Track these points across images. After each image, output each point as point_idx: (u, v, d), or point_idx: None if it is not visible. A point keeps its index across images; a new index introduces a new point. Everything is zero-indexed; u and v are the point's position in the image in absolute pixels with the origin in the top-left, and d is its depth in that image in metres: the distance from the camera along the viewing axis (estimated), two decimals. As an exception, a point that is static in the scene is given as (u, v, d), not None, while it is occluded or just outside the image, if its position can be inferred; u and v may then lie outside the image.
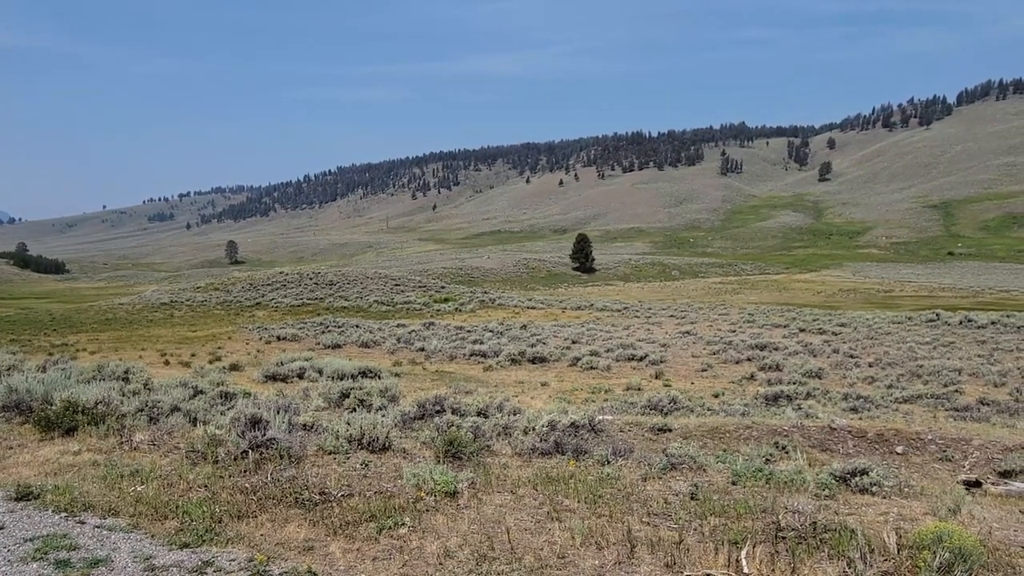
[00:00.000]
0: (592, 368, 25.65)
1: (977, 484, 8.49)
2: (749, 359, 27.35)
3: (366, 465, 7.24)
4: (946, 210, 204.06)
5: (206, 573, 4.69)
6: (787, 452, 9.71)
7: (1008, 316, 41.97)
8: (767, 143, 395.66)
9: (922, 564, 4.62)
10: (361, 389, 12.98)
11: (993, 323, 38.89)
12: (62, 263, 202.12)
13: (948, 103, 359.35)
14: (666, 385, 21.71)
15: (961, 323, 39.96)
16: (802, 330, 38.41)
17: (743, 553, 4.86)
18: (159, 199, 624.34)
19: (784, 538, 5.23)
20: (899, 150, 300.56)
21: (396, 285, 72.00)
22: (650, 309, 56.75)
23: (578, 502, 6.20)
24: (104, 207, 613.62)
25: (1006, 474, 9.21)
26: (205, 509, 5.70)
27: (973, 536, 4.98)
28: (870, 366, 25.38)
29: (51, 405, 8.71)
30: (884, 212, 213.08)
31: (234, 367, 24.49)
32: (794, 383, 20.36)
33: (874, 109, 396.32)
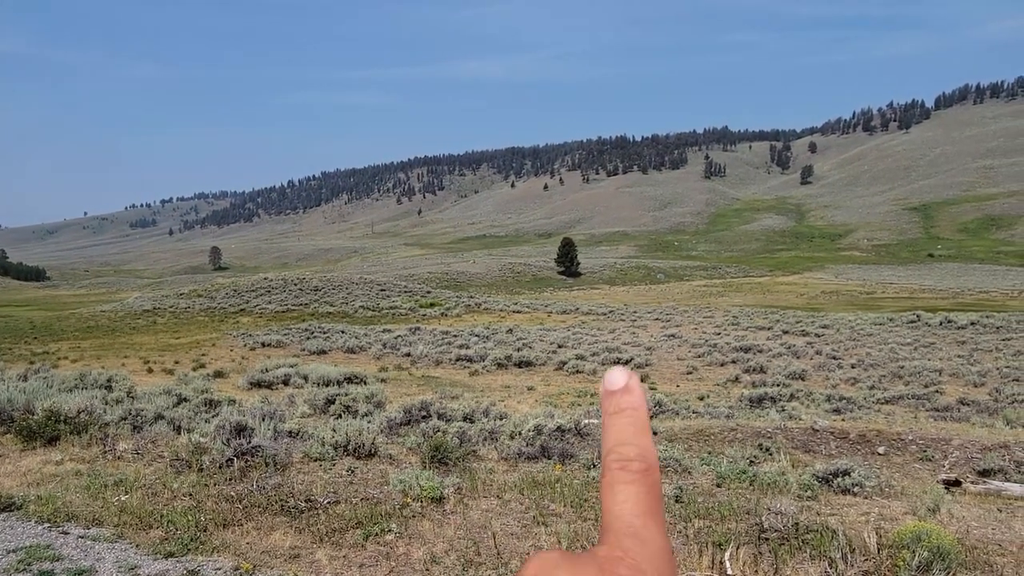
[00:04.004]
0: (578, 372, 25.72)
1: (957, 483, 8.62)
2: (734, 361, 27.53)
3: (352, 471, 7.24)
4: (925, 212, 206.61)
5: (192, 582, 4.67)
6: (771, 454, 9.80)
7: (987, 317, 42.54)
8: (750, 147, 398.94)
9: (901, 563, 4.70)
10: (347, 395, 12.96)
11: (973, 324, 39.39)
12: (43, 270, 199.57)
13: (926, 107, 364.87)
14: (651, 388, 21.82)
15: (941, 324, 40.44)
16: (785, 332, 38.71)
17: (727, 555, 4.92)
18: (141, 205, 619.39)
19: (767, 539, 5.30)
20: (879, 153, 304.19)
21: (382, 290, 71.79)
22: (635, 312, 56.97)
23: (564, 506, 6.24)
24: (85, 213, 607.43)
25: (985, 473, 9.35)
26: (190, 518, 5.68)
27: (951, 535, 5.07)
28: (852, 367, 25.63)
29: (33, 414, 8.63)
30: (865, 215, 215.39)
31: (218, 374, 24.33)
32: (778, 385, 20.53)
33: (854, 113, 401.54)
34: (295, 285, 71.42)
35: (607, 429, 0.45)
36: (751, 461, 8.96)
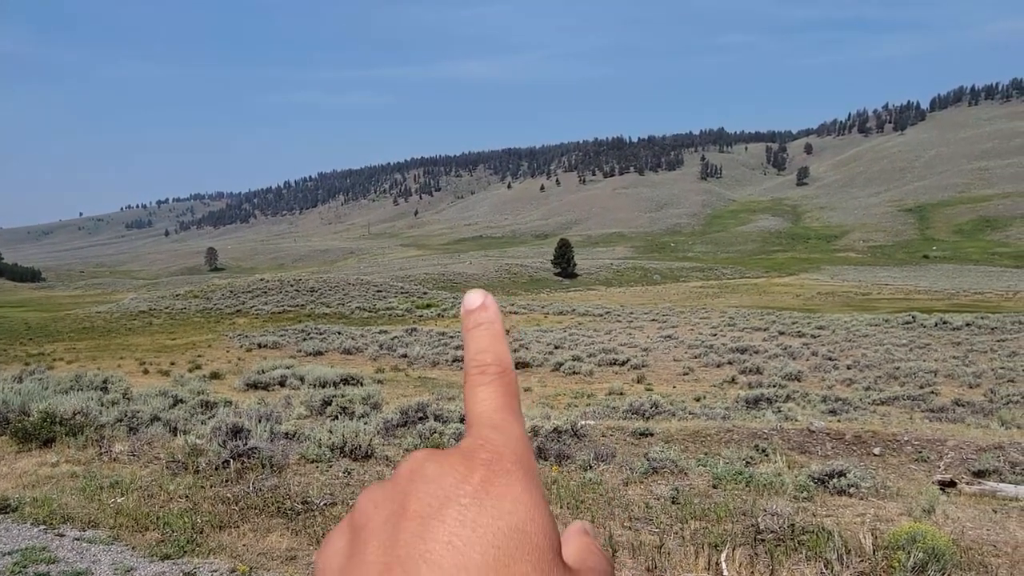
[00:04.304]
0: (574, 373, 25.74)
1: (952, 484, 8.65)
2: (730, 362, 27.57)
3: (349, 473, 7.24)
4: (921, 214, 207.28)
5: (188, 584, 4.67)
6: (767, 455, 9.82)
7: (982, 318, 42.66)
8: (746, 148, 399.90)
9: (897, 564, 4.72)
10: (343, 396, 12.95)
11: (968, 325, 39.51)
12: (38, 271, 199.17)
13: (922, 109, 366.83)
14: (648, 389, 21.84)
15: (936, 325, 40.55)
16: (781, 333, 38.79)
17: (723, 556, 4.93)
18: (137, 206, 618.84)
19: (763, 540, 5.31)
20: (875, 155, 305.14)
21: (378, 291, 71.75)
22: (632, 313, 57.03)
23: (560, 507, 6.25)
24: (81, 214, 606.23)
25: (980, 474, 9.39)
26: (186, 520, 5.67)
27: (946, 536, 5.09)
28: (848, 368, 25.70)
29: (28, 416, 8.61)
30: (861, 216, 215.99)
31: (214, 375, 24.28)
32: (774, 386, 20.57)
33: (850, 115, 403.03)
34: (291, 286, 71.34)
35: (467, 343, 0.48)
36: (747, 462, 8.98)
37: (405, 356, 31.11)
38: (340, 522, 0.46)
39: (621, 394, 20.38)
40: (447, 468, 0.42)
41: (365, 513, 0.44)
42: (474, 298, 0.50)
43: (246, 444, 7.42)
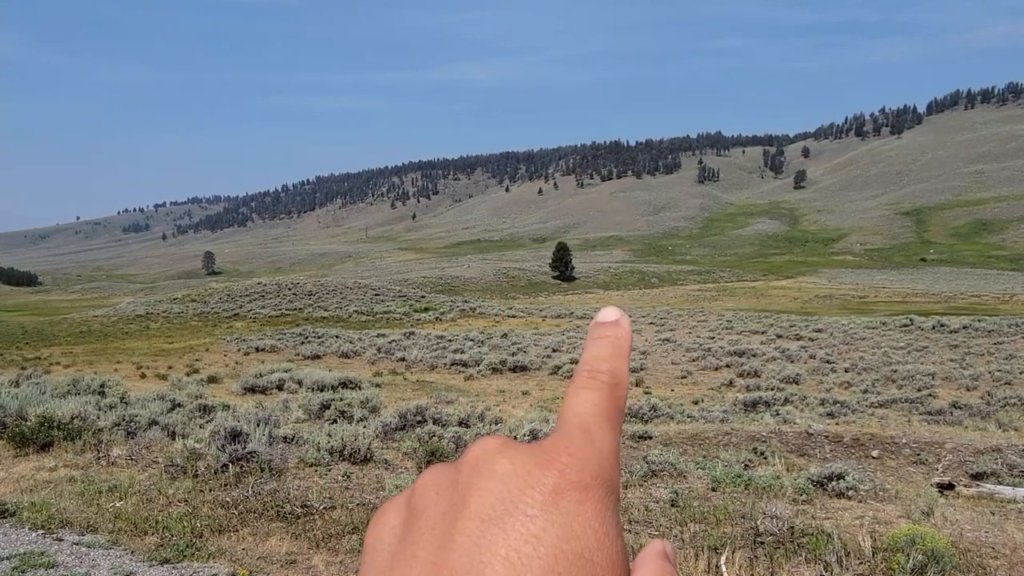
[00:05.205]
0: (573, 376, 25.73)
1: (950, 486, 8.67)
2: (728, 365, 27.59)
3: (348, 477, 7.23)
4: (918, 217, 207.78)
5: (187, 588, 4.66)
6: (765, 457, 9.83)
7: (979, 320, 42.74)
8: (743, 152, 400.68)
9: (896, 566, 4.73)
10: (342, 400, 12.94)
11: (965, 327, 39.57)
12: (34, 275, 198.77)
13: (918, 112, 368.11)
14: (646, 392, 21.85)
15: (934, 328, 40.61)
16: (779, 336, 38.81)
17: (723, 559, 4.94)
18: (134, 209, 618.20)
19: (763, 543, 5.32)
20: (872, 158, 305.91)
21: (376, 295, 71.70)
22: (629, 316, 56.95)
23: (560, 511, 6.24)
24: (78, 218, 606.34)
25: (978, 476, 9.41)
26: (185, 524, 5.66)
27: (945, 538, 5.10)
28: (846, 371, 25.72)
29: (26, 420, 8.59)
30: (858, 219, 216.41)
31: (212, 379, 24.25)
32: (772, 389, 20.59)
33: (847, 118, 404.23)
34: (289, 290, 71.26)
35: (586, 348, 0.44)
36: (746, 465, 8.99)
37: (403, 359, 31.10)
38: (398, 495, 0.43)
39: (619, 397, 20.33)
40: (518, 468, 0.38)
41: (426, 497, 0.40)
42: (609, 313, 0.46)
43: (245, 448, 7.41)
